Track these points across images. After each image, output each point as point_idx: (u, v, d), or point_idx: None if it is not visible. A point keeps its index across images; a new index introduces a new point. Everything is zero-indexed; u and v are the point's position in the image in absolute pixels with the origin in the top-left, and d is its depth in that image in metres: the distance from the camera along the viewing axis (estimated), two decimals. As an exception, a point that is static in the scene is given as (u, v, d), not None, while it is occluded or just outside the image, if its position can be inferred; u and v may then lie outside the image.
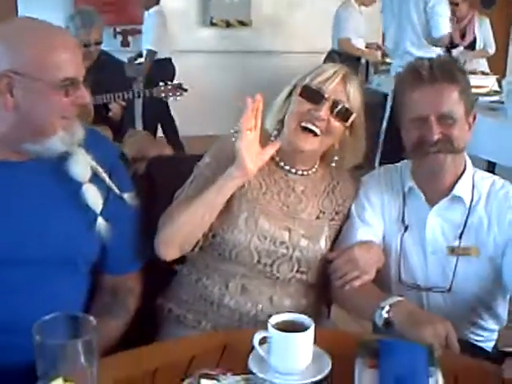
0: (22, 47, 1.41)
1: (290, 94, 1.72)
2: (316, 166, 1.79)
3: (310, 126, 1.65)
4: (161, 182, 1.95)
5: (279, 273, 1.68)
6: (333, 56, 6.09)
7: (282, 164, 1.75)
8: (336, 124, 1.67)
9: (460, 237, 1.69)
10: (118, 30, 6.83)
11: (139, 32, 6.89)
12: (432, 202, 1.71)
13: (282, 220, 1.70)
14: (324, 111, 1.64)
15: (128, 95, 3.88)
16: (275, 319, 1.29)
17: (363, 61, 6.21)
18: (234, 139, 1.60)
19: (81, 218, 1.53)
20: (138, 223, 1.70)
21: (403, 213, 1.74)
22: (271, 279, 1.69)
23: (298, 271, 1.70)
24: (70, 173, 1.51)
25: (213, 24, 7.04)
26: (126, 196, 1.62)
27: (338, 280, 1.62)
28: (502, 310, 1.78)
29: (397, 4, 4.85)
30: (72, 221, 1.52)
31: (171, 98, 3.91)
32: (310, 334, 1.25)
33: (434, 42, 4.69)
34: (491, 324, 1.79)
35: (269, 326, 1.27)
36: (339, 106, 1.65)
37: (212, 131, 5.43)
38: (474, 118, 1.69)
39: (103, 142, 1.71)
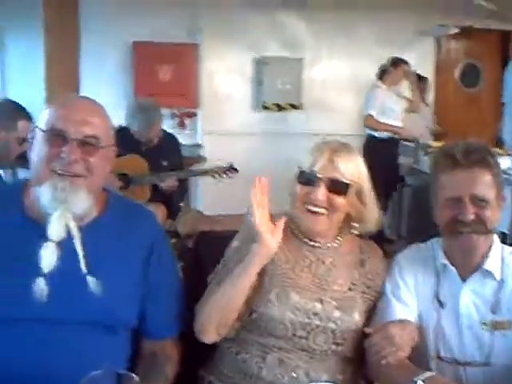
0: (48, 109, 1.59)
1: None
2: (339, 238, 1.84)
3: (312, 208, 1.72)
4: (207, 255, 2.04)
5: (315, 344, 1.71)
6: (369, 139, 6.10)
7: (305, 240, 1.81)
8: (338, 200, 1.72)
9: (493, 311, 1.72)
10: (174, 112, 7.10)
11: (195, 115, 7.20)
12: (464, 276, 1.76)
13: (313, 292, 1.74)
14: (320, 192, 1.70)
15: (184, 175, 4.07)
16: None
17: (409, 143, 6.16)
18: (249, 218, 1.67)
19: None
20: (179, 292, 1.79)
21: (437, 290, 1.79)
22: (308, 352, 1.72)
23: (333, 343, 1.72)
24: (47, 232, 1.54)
25: (265, 107, 7.29)
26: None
27: (374, 355, 1.65)
28: None
29: None
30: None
31: (224, 178, 4.07)
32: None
33: None
34: None
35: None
36: (334, 183, 1.71)
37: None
38: (504, 199, 1.76)
39: (147, 217, 1.78)
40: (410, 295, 1.80)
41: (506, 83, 4.53)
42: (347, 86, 7.42)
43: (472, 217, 1.67)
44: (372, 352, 1.65)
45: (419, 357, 1.74)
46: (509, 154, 5.14)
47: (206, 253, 2.08)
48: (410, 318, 1.75)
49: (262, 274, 1.71)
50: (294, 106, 7.29)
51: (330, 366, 1.76)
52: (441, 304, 1.78)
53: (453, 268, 1.78)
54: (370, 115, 5.98)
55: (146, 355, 1.72)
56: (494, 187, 1.69)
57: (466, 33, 7.64)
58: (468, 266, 1.76)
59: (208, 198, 6.98)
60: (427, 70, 6.67)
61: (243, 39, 7.20)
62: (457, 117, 7.56)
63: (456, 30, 7.29)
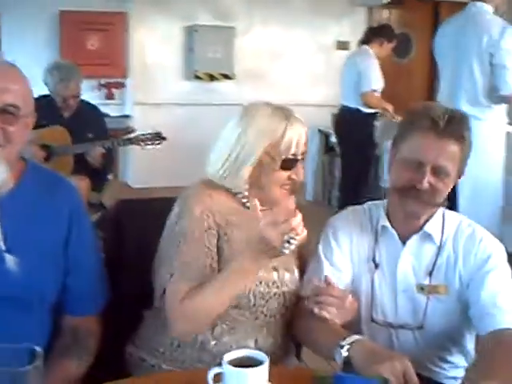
0: None
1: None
2: None
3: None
4: (128, 224, 1.96)
5: (269, 310, 1.68)
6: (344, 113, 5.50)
7: (244, 201, 1.73)
8: None
9: (430, 275, 1.70)
10: (102, 82, 6.90)
11: (123, 85, 7.02)
12: (404, 239, 1.73)
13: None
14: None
15: (108, 144, 3.94)
16: (230, 355, 1.28)
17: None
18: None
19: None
20: (100, 268, 1.73)
21: (374, 252, 1.75)
22: (259, 320, 1.69)
23: (283, 305, 1.71)
24: None
25: (197, 77, 7.16)
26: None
27: (315, 303, 1.55)
28: (471, 345, 1.77)
29: (454, 56, 4.12)
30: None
31: (150, 147, 3.96)
32: (262, 369, 1.24)
33: (499, 101, 4.01)
34: (460, 360, 1.78)
35: (223, 362, 1.25)
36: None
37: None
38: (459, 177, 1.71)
39: (66, 189, 1.70)
40: (343, 258, 1.75)
41: (437, 48, 4.40)
42: (280, 55, 7.38)
43: (427, 186, 1.62)
44: (314, 300, 1.55)
45: (351, 320, 1.66)
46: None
47: (127, 222, 1.98)
48: (339, 283, 1.67)
49: (225, 258, 1.65)
50: (226, 76, 7.19)
51: (275, 330, 1.73)
52: (376, 265, 1.74)
53: (393, 230, 1.74)
54: (374, 91, 5.27)
55: (67, 330, 1.66)
56: (458, 163, 1.65)
57: (398, 2, 7.68)
58: (409, 229, 1.73)
59: (138, 171, 6.86)
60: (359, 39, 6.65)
61: (173, 8, 7.05)
62: (388, 87, 7.57)
63: (388, 0, 7.28)
